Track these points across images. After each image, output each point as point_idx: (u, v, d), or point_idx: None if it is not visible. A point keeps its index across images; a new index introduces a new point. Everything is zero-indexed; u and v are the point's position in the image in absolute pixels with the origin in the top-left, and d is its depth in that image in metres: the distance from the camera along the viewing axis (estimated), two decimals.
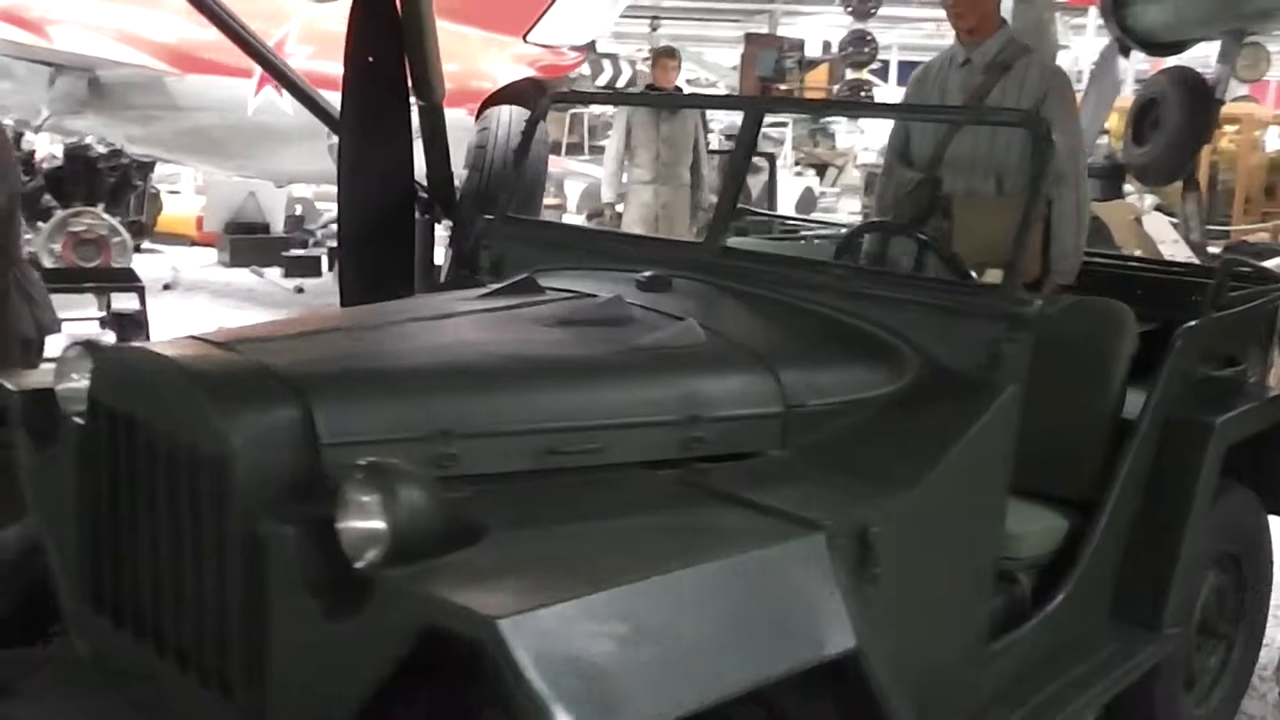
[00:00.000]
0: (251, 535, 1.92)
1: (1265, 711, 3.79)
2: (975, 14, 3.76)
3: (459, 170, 4.90)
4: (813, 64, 22.56)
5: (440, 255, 5.12)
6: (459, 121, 5.80)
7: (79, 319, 6.99)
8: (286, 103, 9.30)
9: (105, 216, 9.79)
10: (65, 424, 2.38)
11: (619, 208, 8.28)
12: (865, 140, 20.19)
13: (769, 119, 17.52)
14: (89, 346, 2.45)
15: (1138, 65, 15.07)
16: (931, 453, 2.36)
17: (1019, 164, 3.68)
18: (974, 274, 2.99)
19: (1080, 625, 2.97)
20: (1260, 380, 3.64)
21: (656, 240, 3.83)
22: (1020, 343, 2.51)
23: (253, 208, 12.56)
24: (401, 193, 4.63)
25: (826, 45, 23.83)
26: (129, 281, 7.75)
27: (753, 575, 1.92)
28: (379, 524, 1.79)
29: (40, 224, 9.66)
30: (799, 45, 21.79)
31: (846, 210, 14.49)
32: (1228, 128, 13.67)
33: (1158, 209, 11.38)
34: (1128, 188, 11.90)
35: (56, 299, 4.15)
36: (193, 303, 10.35)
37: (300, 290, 11.26)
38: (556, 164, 12.37)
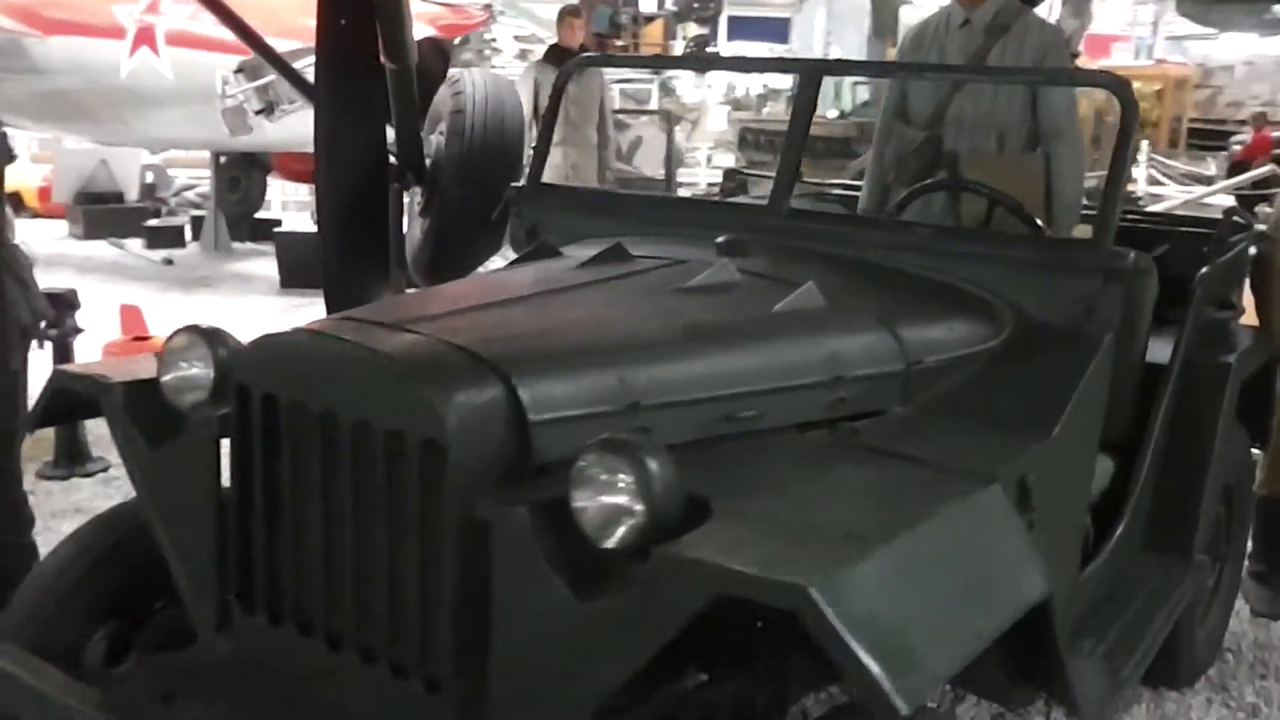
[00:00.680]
0: (469, 519, 1.88)
1: (1242, 627, 4.09)
2: None
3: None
4: (649, 19, 22.72)
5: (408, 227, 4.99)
6: None
7: None
8: (165, 64, 8.86)
9: None
10: (196, 415, 2.27)
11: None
12: (715, 95, 20.39)
13: (621, 75, 17.50)
14: (205, 334, 2.34)
15: None
16: (1054, 403, 2.47)
17: (1020, 122, 3.83)
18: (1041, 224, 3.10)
19: (1128, 560, 3.16)
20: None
21: (716, 203, 3.82)
22: (1113, 295, 2.63)
23: (104, 176, 11.93)
24: (378, 162, 4.50)
25: (661, 0, 23.97)
26: None
27: (962, 530, 1.99)
28: (627, 500, 1.77)
29: None
30: (634, 1, 21.88)
31: (724, 165, 14.60)
32: None
33: None
34: None
35: None
36: (57, 278, 9.76)
37: (170, 262, 10.78)
38: None
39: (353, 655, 2.06)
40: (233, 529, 2.20)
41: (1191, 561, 3.30)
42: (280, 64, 4.65)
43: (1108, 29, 29.35)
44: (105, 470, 5.34)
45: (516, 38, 20.60)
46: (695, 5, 20.59)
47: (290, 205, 13.40)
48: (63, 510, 4.77)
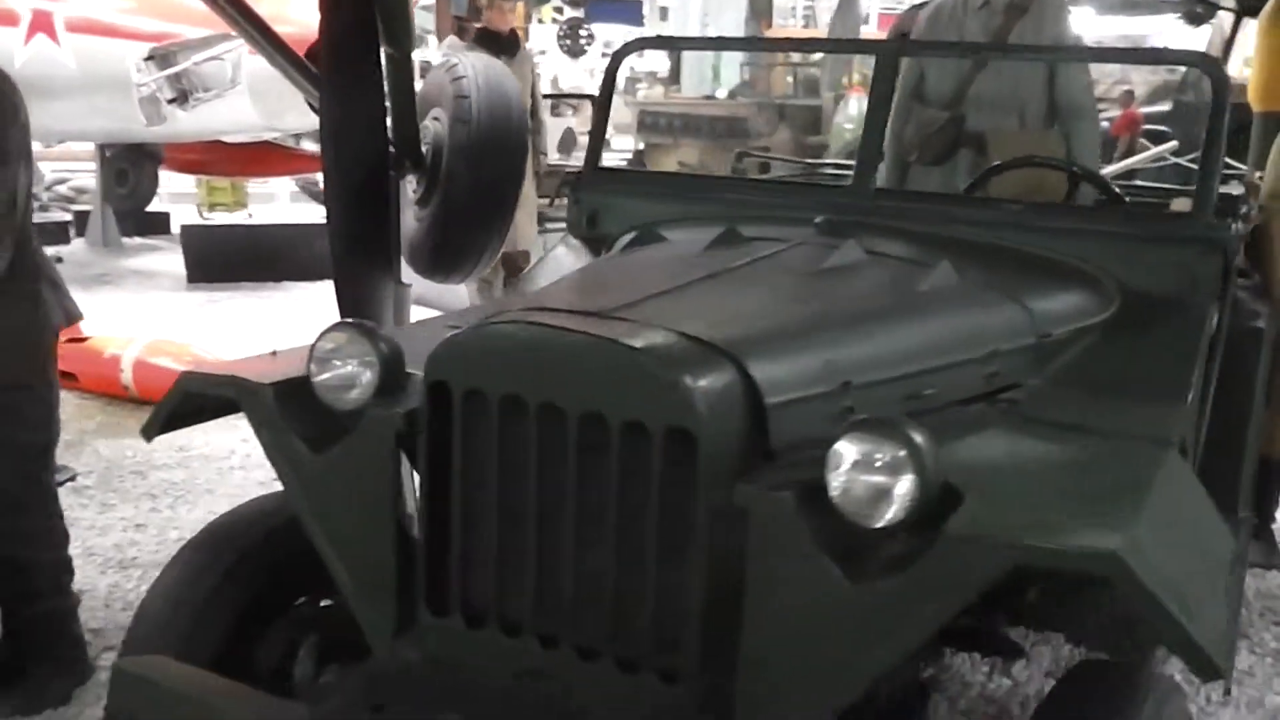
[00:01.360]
0: (723, 507, 1.86)
1: None
2: None
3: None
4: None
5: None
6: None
7: None
8: (66, 53, 8.39)
9: None
10: (371, 414, 2.18)
11: None
12: (595, 82, 20.30)
13: None
14: (365, 330, 2.25)
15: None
16: (1182, 371, 2.57)
17: (1040, 99, 3.95)
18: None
19: None
20: None
21: (799, 184, 3.82)
22: (1214, 264, 2.75)
23: None
24: (380, 151, 4.37)
25: None
26: None
27: (1172, 492, 2.06)
28: (892, 478, 1.78)
29: None
30: None
31: (623, 148, 14.61)
32: None
33: None
34: None
35: None
36: None
37: (59, 260, 10.24)
38: None
39: (568, 652, 2.02)
40: (424, 530, 2.12)
41: (1239, 516, 3.47)
42: (286, 52, 4.45)
43: None
44: (73, 479, 5.08)
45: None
46: None
47: (183, 199, 12.84)
48: None
